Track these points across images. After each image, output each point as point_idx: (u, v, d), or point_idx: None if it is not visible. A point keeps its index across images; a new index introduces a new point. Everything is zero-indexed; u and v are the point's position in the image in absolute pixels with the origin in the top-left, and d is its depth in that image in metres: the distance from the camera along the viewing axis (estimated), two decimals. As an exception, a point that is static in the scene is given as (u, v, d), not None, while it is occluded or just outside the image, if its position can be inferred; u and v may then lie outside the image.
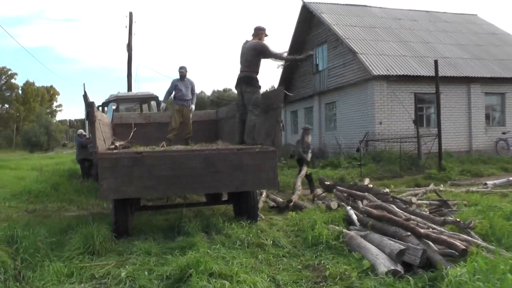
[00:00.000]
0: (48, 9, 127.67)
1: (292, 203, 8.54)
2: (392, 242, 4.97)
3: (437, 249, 4.88)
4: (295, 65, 26.73)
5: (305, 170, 10.71)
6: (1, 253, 4.92)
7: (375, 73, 18.36)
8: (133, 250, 5.52)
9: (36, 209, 9.73)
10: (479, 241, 5.17)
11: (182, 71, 9.64)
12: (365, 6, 26.48)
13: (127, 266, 4.92)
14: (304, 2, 24.62)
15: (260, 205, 8.13)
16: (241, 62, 7.61)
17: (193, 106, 9.86)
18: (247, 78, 7.50)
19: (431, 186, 10.21)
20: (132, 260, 5.18)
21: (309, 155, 10.99)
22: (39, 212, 9.34)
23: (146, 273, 4.71)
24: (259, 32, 7.64)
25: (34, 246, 5.40)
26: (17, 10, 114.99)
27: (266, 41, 7.66)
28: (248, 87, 7.46)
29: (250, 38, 7.72)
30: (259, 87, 7.58)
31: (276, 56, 7.50)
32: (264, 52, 7.43)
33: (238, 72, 7.67)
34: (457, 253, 4.62)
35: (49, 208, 9.85)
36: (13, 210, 9.57)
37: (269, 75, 59.08)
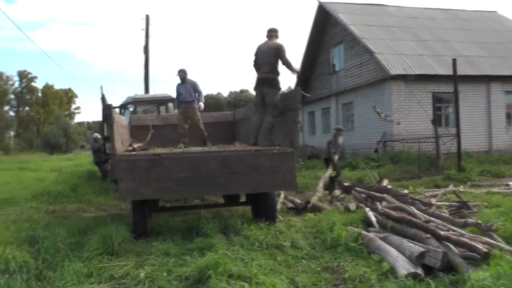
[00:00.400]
0: (66, 13, 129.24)
1: (310, 205, 8.51)
2: (412, 244, 4.91)
3: (458, 252, 4.80)
4: (312, 66, 26.72)
5: (329, 171, 10.66)
6: (24, 253, 5.01)
7: (392, 73, 18.21)
8: (151, 251, 5.54)
9: (56, 210, 9.89)
10: (502, 244, 5.04)
11: (181, 74, 9.40)
12: (382, 5, 26.29)
13: (146, 267, 4.94)
14: (320, 2, 24.55)
15: (278, 206, 8.11)
16: (262, 64, 7.49)
17: (201, 104, 9.57)
18: (270, 80, 7.45)
19: (451, 187, 10.07)
20: (150, 261, 5.20)
21: (336, 157, 10.92)
22: (59, 213, 9.48)
23: (165, 274, 4.72)
24: (274, 34, 7.60)
25: (55, 246, 5.46)
26: (36, 15, 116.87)
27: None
28: (271, 89, 7.42)
29: (264, 39, 7.66)
30: (280, 89, 7.55)
31: (287, 63, 7.41)
32: (282, 55, 7.37)
33: (258, 73, 7.59)
34: (479, 256, 4.54)
35: (68, 209, 10.00)
36: (34, 210, 9.78)
37: (286, 76, 58.90)
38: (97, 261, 5.18)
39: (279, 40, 7.63)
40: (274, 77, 7.46)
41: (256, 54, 7.65)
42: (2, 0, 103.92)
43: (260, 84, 7.55)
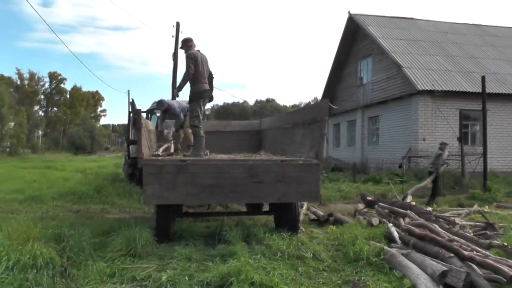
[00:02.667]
0: (99, 17, 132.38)
1: (333, 217, 8.47)
2: (434, 262, 4.87)
3: (482, 274, 4.73)
4: (339, 78, 26.65)
5: (427, 182, 11.01)
6: (50, 250, 5.09)
7: (419, 88, 18.05)
8: (174, 255, 5.58)
9: (80, 209, 10.10)
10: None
11: None
12: (412, 18, 26.16)
13: (167, 270, 4.98)
14: (350, 14, 24.55)
15: (301, 217, 8.09)
16: (203, 74, 7.33)
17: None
18: (211, 93, 7.55)
19: (475, 207, 9.87)
20: (173, 264, 5.24)
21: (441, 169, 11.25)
22: (83, 213, 9.68)
23: (186, 278, 4.75)
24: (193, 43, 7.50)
25: (79, 245, 5.54)
26: (70, 18, 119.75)
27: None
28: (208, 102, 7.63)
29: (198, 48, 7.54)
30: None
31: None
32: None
33: (200, 84, 7.30)
34: (504, 280, 4.48)
35: (92, 209, 10.20)
36: (59, 209, 10.01)
37: (312, 87, 58.82)
38: (120, 262, 5.26)
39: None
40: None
41: (198, 62, 7.25)
42: (39, 4, 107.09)
43: (206, 96, 7.49)
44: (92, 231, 6.43)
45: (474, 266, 4.79)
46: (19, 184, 14.22)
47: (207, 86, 7.39)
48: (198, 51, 7.42)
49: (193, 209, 8.98)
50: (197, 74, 7.20)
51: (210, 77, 7.51)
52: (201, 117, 7.50)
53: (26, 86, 75.64)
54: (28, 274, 4.50)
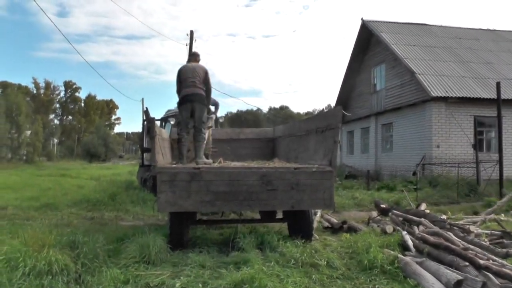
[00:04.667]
0: (113, 27, 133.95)
1: (346, 225, 8.42)
2: (449, 271, 4.81)
3: (498, 283, 4.65)
4: (353, 84, 26.59)
5: None
6: (65, 256, 5.14)
7: (433, 94, 17.93)
8: (187, 262, 5.58)
9: (94, 217, 10.17)
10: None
11: None
12: (425, 24, 26.04)
13: (181, 277, 4.99)
14: (363, 21, 24.52)
15: (315, 225, 8.06)
16: (186, 83, 7.72)
17: None
18: (202, 96, 7.73)
19: (491, 215, 9.72)
20: (186, 272, 5.24)
21: None
22: (97, 220, 9.75)
23: (200, 285, 4.75)
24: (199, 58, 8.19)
25: (93, 252, 5.58)
26: (85, 28, 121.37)
27: None
28: (201, 104, 7.72)
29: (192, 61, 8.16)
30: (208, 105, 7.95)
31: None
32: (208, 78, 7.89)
33: (182, 91, 7.74)
34: (522, 289, 4.37)
35: (106, 216, 10.26)
36: (74, 216, 10.10)
37: (325, 94, 58.87)
38: (133, 268, 5.27)
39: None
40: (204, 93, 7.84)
41: (181, 74, 7.88)
42: (55, 14, 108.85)
43: (187, 100, 7.78)
44: (106, 238, 6.47)
45: (491, 275, 4.72)
46: (34, 192, 14.42)
47: (189, 91, 7.67)
48: (191, 62, 8.09)
49: (207, 216, 9.01)
50: (181, 85, 7.77)
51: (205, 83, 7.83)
52: (189, 124, 7.82)
53: (42, 95, 76.78)
54: (44, 280, 4.56)
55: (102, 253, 5.69)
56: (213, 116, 9.85)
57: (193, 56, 8.32)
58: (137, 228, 7.54)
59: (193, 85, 7.67)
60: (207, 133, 9.38)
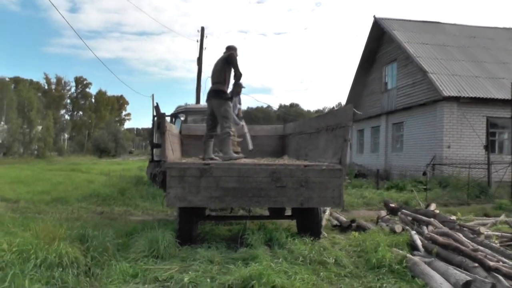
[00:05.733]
0: (124, 23, 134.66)
1: (355, 223, 8.42)
2: (458, 272, 4.79)
3: (508, 286, 4.60)
4: (364, 83, 26.43)
5: None
6: (75, 249, 5.19)
7: (445, 94, 17.78)
8: (196, 257, 5.62)
9: (104, 211, 10.28)
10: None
11: None
12: (438, 23, 25.68)
13: (190, 272, 5.01)
14: (376, 19, 24.33)
15: (323, 222, 8.04)
16: (212, 78, 7.75)
17: None
18: (216, 91, 7.65)
19: (502, 217, 9.65)
20: (195, 266, 5.27)
21: None
22: (106, 215, 9.86)
23: (208, 280, 4.77)
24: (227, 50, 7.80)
25: (103, 245, 5.63)
26: (96, 24, 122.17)
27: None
28: (216, 99, 7.60)
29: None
30: (227, 99, 7.64)
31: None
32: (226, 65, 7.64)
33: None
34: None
35: (116, 211, 10.37)
36: (84, 210, 10.20)
37: (336, 93, 58.68)
38: (142, 262, 5.33)
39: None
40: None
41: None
42: (66, 10, 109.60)
43: (210, 97, 7.73)
44: (115, 232, 6.55)
45: (500, 277, 4.67)
46: (46, 186, 14.55)
47: (212, 88, 7.64)
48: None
49: (215, 212, 9.03)
50: None
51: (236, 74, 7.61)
52: (209, 122, 7.80)
53: (53, 90, 77.56)
54: (55, 272, 4.61)
55: (111, 247, 5.74)
56: (239, 106, 9.80)
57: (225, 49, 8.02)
58: (146, 223, 7.60)
59: (211, 82, 7.73)
60: (238, 126, 9.35)
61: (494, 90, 18.65)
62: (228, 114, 7.57)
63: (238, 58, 7.55)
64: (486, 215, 10.93)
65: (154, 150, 13.51)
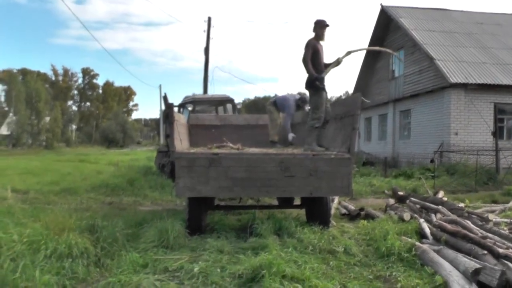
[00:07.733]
0: (131, 13, 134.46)
1: (364, 212, 8.41)
2: (467, 259, 4.76)
3: (518, 272, 4.55)
4: (372, 71, 26.25)
5: None
6: (85, 240, 5.22)
7: (452, 81, 17.63)
8: (205, 247, 5.63)
9: (113, 201, 10.32)
10: None
11: None
12: (445, 10, 25.48)
13: (200, 262, 5.03)
14: (382, 6, 24.11)
15: (332, 211, 8.05)
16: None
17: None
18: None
19: (511, 204, 9.57)
20: (204, 256, 5.29)
21: None
22: (116, 205, 9.88)
23: (218, 270, 4.79)
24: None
25: (113, 236, 5.65)
26: (103, 15, 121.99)
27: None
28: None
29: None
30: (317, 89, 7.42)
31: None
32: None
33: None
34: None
35: (125, 201, 10.40)
36: (93, 201, 10.24)
37: (343, 81, 58.40)
38: (152, 253, 5.35)
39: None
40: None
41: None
42: (72, 1, 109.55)
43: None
44: (125, 222, 6.55)
45: (510, 264, 4.63)
46: (54, 177, 14.62)
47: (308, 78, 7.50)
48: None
49: (224, 202, 9.05)
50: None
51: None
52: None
53: (61, 81, 77.69)
54: (65, 262, 4.65)
55: (121, 237, 5.76)
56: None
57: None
58: (156, 213, 7.63)
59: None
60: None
61: (501, 76, 18.47)
62: (318, 105, 7.38)
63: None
64: (495, 201, 10.88)
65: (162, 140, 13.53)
